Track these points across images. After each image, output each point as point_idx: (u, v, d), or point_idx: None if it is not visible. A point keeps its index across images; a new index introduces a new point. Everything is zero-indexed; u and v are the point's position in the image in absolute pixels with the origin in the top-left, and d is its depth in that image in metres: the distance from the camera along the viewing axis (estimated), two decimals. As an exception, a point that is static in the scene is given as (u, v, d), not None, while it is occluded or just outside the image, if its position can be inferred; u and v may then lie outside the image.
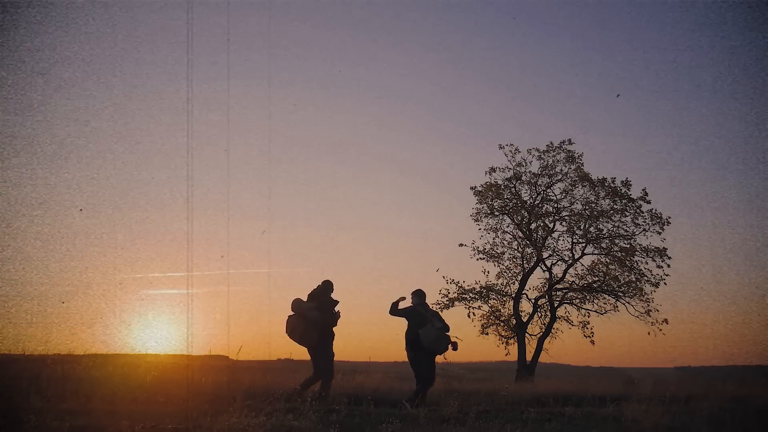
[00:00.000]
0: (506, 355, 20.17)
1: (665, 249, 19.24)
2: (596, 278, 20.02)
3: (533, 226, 20.31)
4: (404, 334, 9.28)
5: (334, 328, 9.11)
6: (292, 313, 8.93)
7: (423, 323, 9.11)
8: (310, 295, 9.06)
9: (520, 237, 20.35)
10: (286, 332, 8.87)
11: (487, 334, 20.02)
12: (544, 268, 20.45)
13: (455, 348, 9.29)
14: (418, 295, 9.43)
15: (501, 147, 20.33)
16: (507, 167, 20.23)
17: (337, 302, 9.07)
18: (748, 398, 9.79)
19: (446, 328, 9.20)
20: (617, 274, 19.71)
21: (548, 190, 20.19)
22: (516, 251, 20.40)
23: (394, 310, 9.25)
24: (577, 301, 20.23)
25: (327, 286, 9.13)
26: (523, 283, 20.15)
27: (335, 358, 9.17)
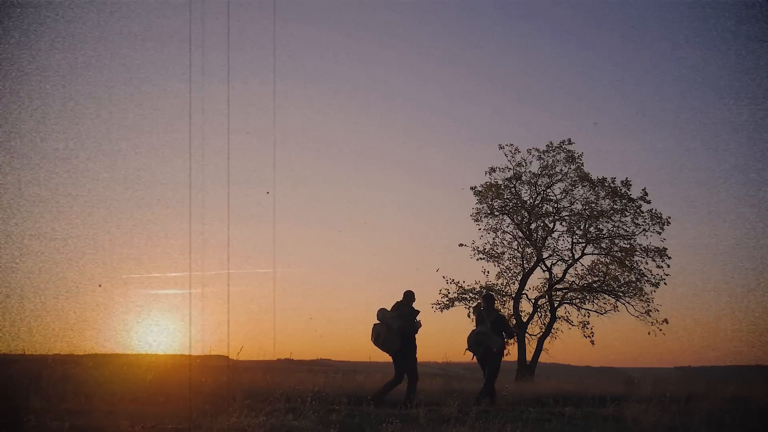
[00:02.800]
0: (506, 355, 20.16)
1: (665, 249, 19.26)
2: (596, 278, 20.02)
3: (533, 226, 20.32)
4: None
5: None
6: (377, 321, 9.46)
7: (478, 325, 9.80)
8: (395, 306, 9.58)
9: (520, 237, 20.36)
10: (372, 339, 9.44)
11: (417, 330, 20.02)
12: (544, 268, 20.47)
13: (492, 350, 9.68)
14: (484, 298, 10.24)
15: (501, 147, 20.35)
16: (507, 167, 20.26)
17: (417, 312, 9.61)
18: (748, 398, 9.79)
19: (483, 334, 9.61)
20: (617, 274, 19.72)
21: (548, 190, 20.20)
22: (516, 251, 20.41)
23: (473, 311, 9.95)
24: (577, 301, 20.24)
25: (409, 296, 9.68)
26: (523, 283, 20.15)
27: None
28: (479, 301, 10.15)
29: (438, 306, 19.98)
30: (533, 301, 20.31)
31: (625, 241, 19.58)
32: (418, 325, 9.49)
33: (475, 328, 9.86)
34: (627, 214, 19.56)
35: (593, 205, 19.73)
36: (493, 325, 9.62)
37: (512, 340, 9.87)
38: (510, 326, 9.94)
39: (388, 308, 9.58)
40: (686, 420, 7.57)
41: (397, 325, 9.26)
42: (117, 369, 10.06)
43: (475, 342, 9.63)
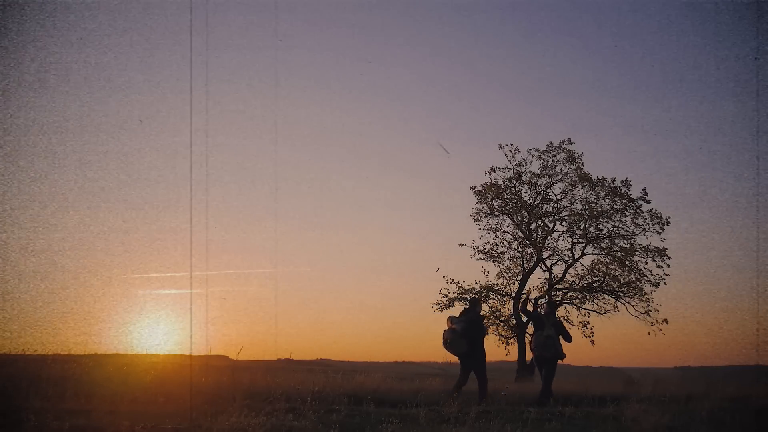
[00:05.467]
0: (506, 355, 20.19)
1: (665, 249, 19.26)
2: (596, 278, 20.02)
3: (533, 226, 20.33)
4: None
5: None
6: (446, 328, 9.90)
7: (539, 329, 10.13)
8: (462, 312, 10.07)
9: (520, 237, 20.37)
10: (443, 345, 9.88)
11: (487, 333, 20.02)
12: (544, 268, 20.47)
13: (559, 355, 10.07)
14: (547, 304, 10.75)
15: (501, 147, 20.36)
16: (507, 167, 20.26)
17: (484, 317, 10.15)
18: (748, 398, 9.79)
19: (552, 337, 9.94)
20: (617, 274, 19.72)
21: (548, 190, 20.21)
22: (516, 251, 20.42)
23: (523, 309, 10.81)
24: (577, 301, 20.25)
25: (475, 303, 10.23)
26: (523, 283, 20.15)
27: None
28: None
29: (438, 306, 19.99)
30: (533, 301, 20.31)
31: (625, 241, 19.59)
32: (486, 327, 9.92)
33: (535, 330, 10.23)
34: (627, 214, 19.57)
35: (593, 205, 19.73)
36: (556, 330, 10.00)
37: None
38: (566, 330, 10.19)
39: (451, 319, 9.98)
40: (686, 420, 7.57)
41: (462, 327, 9.65)
42: (117, 369, 10.05)
43: (543, 345, 9.95)
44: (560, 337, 10.05)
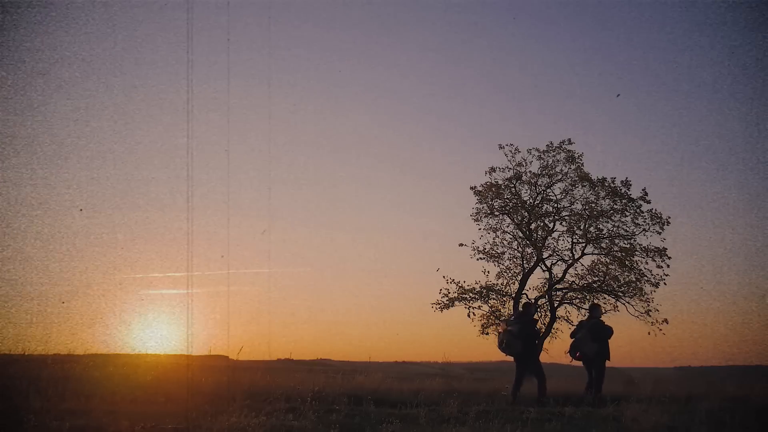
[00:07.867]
0: (507, 354, 20.17)
1: (665, 249, 19.23)
2: (596, 278, 20.00)
3: (533, 226, 20.30)
4: None
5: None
6: (501, 331, 10.45)
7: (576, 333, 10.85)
8: (516, 316, 10.53)
9: (520, 237, 20.33)
10: (498, 346, 10.40)
11: (487, 334, 19.95)
12: (544, 268, 20.42)
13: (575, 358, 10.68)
14: (590, 308, 11.26)
15: (501, 147, 20.30)
16: (507, 167, 20.23)
17: (537, 320, 10.58)
18: (748, 398, 9.79)
19: (580, 339, 10.51)
20: (617, 274, 19.70)
21: (548, 190, 20.18)
22: (516, 251, 20.37)
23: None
24: (577, 301, 20.22)
25: (528, 306, 10.79)
26: (523, 283, 20.12)
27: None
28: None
29: (438, 306, 19.97)
30: (533, 301, 20.29)
31: (625, 241, 19.56)
32: (539, 331, 10.23)
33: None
34: (627, 214, 19.52)
35: (593, 205, 19.70)
36: (589, 331, 10.33)
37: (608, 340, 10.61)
38: (604, 330, 10.35)
39: (509, 322, 10.47)
40: (686, 420, 7.57)
41: (518, 329, 10.06)
42: (117, 369, 10.06)
43: (572, 347, 10.64)
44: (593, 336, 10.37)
